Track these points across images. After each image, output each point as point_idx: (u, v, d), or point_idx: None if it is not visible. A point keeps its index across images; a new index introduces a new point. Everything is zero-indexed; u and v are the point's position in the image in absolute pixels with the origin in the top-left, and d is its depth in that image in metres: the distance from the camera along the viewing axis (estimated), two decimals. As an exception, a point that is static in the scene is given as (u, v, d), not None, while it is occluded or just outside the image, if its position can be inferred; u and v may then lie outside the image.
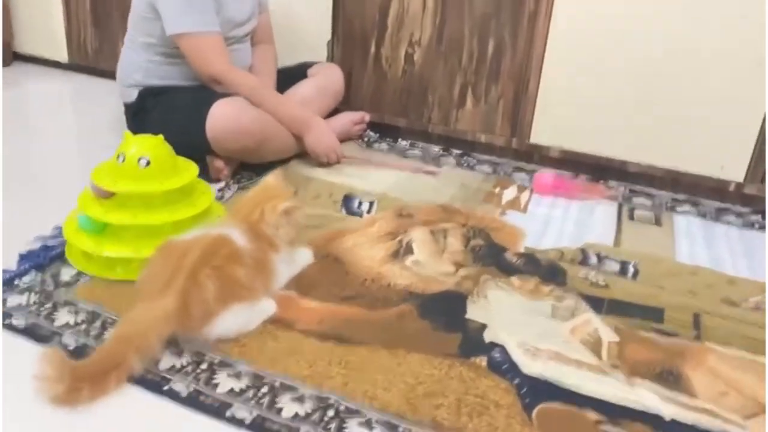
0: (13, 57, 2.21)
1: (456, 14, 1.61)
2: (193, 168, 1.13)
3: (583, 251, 1.27)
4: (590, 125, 1.58)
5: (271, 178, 1.10)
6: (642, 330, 1.04)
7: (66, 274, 1.04)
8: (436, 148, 1.76)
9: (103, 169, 1.07)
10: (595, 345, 0.99)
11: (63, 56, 2.14)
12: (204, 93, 1.39)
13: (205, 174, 1.42)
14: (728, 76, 1.42)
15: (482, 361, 0.94)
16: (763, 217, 1.48)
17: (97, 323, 0.94)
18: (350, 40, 1.74)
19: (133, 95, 1.48)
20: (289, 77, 1.65)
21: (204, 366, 0.87)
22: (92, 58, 2.10)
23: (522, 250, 1.27)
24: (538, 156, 1.69)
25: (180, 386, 0.83)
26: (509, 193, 1.52)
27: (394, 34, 1.69)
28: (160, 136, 1.09)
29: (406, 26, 1.67)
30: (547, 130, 1.63)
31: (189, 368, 0.87)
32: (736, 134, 1.46)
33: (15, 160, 1.47)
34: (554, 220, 1.41)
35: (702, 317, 1.08)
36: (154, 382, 0.84)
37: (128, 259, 1.03)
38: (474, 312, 1.05)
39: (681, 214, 1.48)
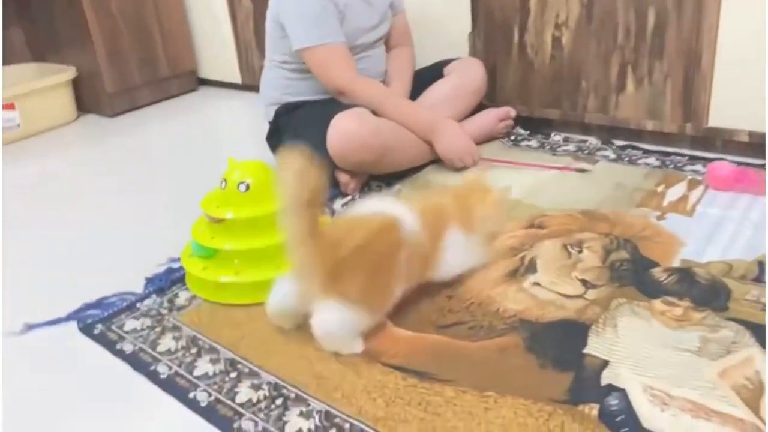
0: (198, 83, 2.43)
1: (606, -14, 1.39)
2: (295, 188, 1.11)
3: (761, 264, 1.01)
4: (787, 100, 1.27)
5: (472, 176, 1.11)
6: (827, 375, 0.78)
7: (182, 298, 1.08)
8: (594, 141, 1.55)
9: (211, 196, 1.10)
10: (753, 394, 0.77)
11: (237, 78, 2.29)
12: (329, 107, 1.37)
13: (337, 188, 1.42)
14: None
15: (593, 409, 0.78)
16: None
17: (194, 350, 0.95)
18: (492, 30, 1.61)
19: (271, 114, 1.52)
20: (425, 78, 1.57)
21: (279, 401, 0.84)
22: (259, 76, 2.22)
23: (677, 264, 1.05)
24: (721, 142, 1.40)
25: (248, 424, 0.81)
26: (675, 192, 1.28)
27: (537, 18, 1.52)
28: (261, 161, 1.08)
29: (551, 7, 1.49)
30: (729, 110, 1.34)
31: (263, 404, 0.84)
32: None
33: (182, 178, 1.60)
34: (728, 223, 1.14)
35: None
36: (225, 418, 0.82)
37: (234, 283, 1.04)
38: (595, 345, 0.88)
39: None
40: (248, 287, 1.04)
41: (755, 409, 0.75)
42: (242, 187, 1.05)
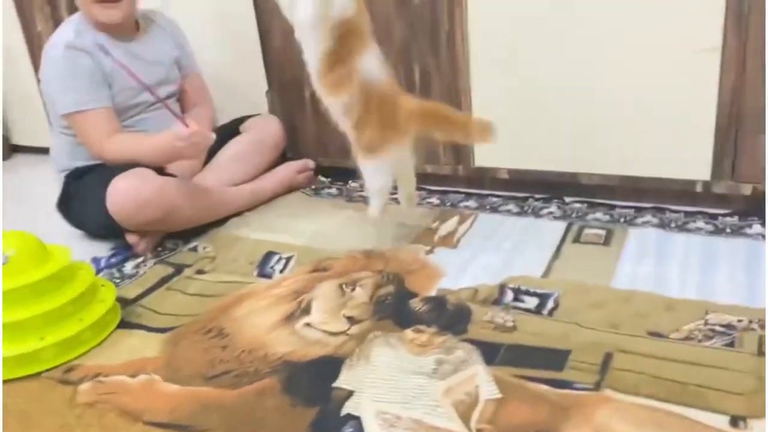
0: (12, 149, 2.33)
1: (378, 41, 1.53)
2: (63, 255, 1.11)
3: (501, 287, 1.14)
4: (534, 141, 1.44)
5: None
6: (535, 381, 0.90)
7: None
8: (385, 186, 1.67)
9: (-28, 271, 1.07)
10: (468, 407, 0.86)
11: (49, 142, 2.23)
12: (114, 170, 1.38)
13: (129, 250, 1.43)
14: (671, 68, 1.25)
15: (331, 439, 0.84)
16: (739, 219, 1.28)
17: (-55, 433, 0.92)
18: (284, 87, 1.70)
19: (61, 180, 1.50)
20: (222, 136, 1.61)
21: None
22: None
23: (433, 293, 1.15)
24: (488, 179, 1.56)
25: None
26: (447, 227, 1.41)
27: (323, 76, 1.63)
28: (22, 231, 1.08)
29: (333, 65, 1.60)
30: (490, 152, 1.50)
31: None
32: (693, 127, 1.28)
33: None
34: (484, 252, 1.28)
35: (614, 358, 0.93)
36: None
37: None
38: (345, 378, 0.95)
39: (639, 227, 1.31)
40: (14, 362, 1.02)
41: (466, 420, 0.84)
42: (1, 259, 1.04)
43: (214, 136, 1.37)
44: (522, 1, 1.34)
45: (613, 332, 0.98)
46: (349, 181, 1.71)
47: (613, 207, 1.40)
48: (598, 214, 1.38)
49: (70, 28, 1.42)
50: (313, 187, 1.71)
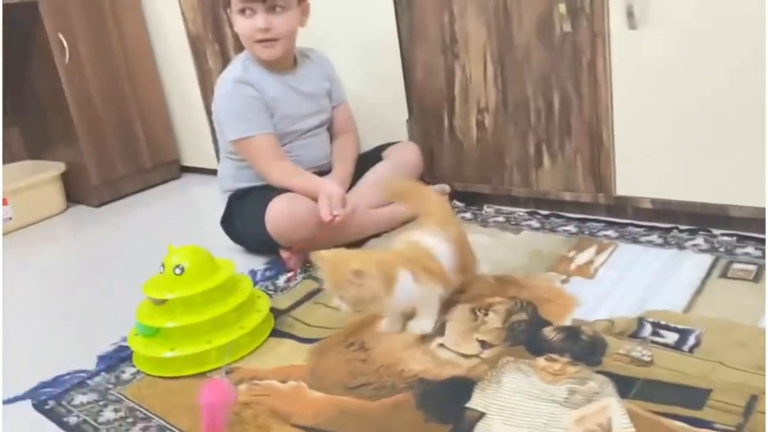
0: (181, 170, 2.62)
1: (515, 75, 1.56)
2: (228, 267, 1.25)
3: (640, 321, 1.12)
4: (680, 170, 1.40)
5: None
6: (670, 418, 0.89)
7: (128, 373, 1.21)
8: (521, 212, 1.69)
9: (152, 280, 1.24)
10: (600, 438, 0.87)
11: (215, 164, 2.47)
12: (272, 191, 1.53)
13: (281, 265, 1.56)
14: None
15: (463, 456, 0.88)
16: None
17: (130, 419, 1.07)
18: (425, 116, 1.78)
19: (226, 200, 1.68)
20: (365, 162, 1.73)
21: (194, 460, 0.96)
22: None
23: (568, 323, 1.16)
24: (632, 209, 1.53)
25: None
26: (584, 256, 1.40)
27: (462, 105, 1.69)
28: (195, 245, 1.23)
29: (472, 94, 1.66)
30: (633, 181, 1.48)
31: (180, 463, 0.95)
32: None
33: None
34: (622, 284, 1.26)
35: (759, 401, 0.89)
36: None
37: (172, 358, 1.17)
38: (477, 400, 0.99)
39: (795, 264, 1.23)
40: (184, 361, 1.17)
41: (599, 451, 0.85)
42: (177, 270, 1.19)
43: (351, 207, 1.49)
44: (669, 28, 1.32)
45: (759, 374, 0.94)
46: (484, 207, 1.75)
47: (764, 242, 1.33)
48: (749, 249, 1.31)
49: (238, 65, 1.60)
50: (450, 211, 1.77)
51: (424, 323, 1.21)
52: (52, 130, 2.38)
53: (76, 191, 2.40)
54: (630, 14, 1.33)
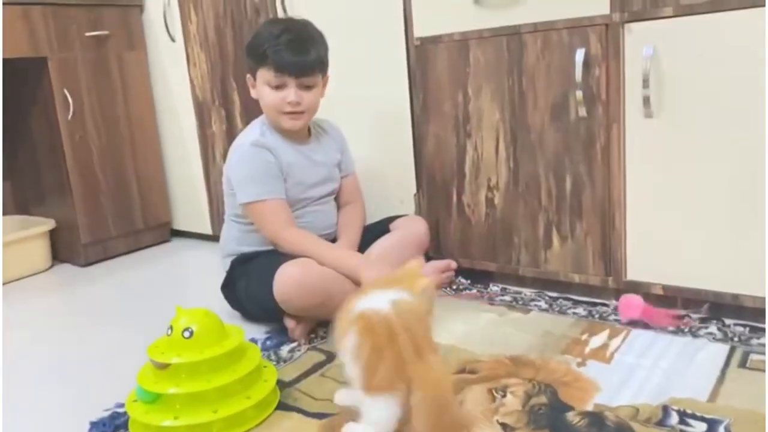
0: (172, 234, 2.57)
1: (528, 155, 1.59)
2: (238, 334, 1.20)
3: (665, 408, 1.09)
4: (692, 257, 1.41)
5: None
6: None
7: (123, 442, 1.13)
8: (528, 292, 1.67)
9: (158, 343, 1.18)
10: None
11: (208, 229, 2.44)
12: (279, 257, 1.49)
13: (285, 335, 1.51)
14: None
15: None
16: None
17: (126, 493, 0.99)
18: (434, 190, 1.78)
19: (227, 264, 1.64)
20: (373, 233, 1.72)
21: None
22: (228, 228, 2.37)
23: (590, 408, 1.12)
24: (642, 295, 1.52)
25: None
26: (597, 340, 1.38)
27: (472, 181, 1.70)
28: (206, 309, 1.18)
29: (483, 171, 1.67)
30: (644, 265, 1.48)
31: None
32: None
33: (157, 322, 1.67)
34: (640, 370, 1.24)
35: (803, 499, 0.86)
36: None
37: (174, 427, 1.10)
38: (505, 486, 0.94)
39: (813, 357, 1.22)
40: (186, 431, 1.09)
41: None
42: (186, 334, 1.13)
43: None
44: (684, 117, 1.36)
45: (798, 470, 0.91)
46: (490, 285, 1.73)
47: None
48: (763, 339, 1.31)
49: (256, 129, 1.60)
50: (454, 287, 1.74)
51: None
52: (46, 185, 2.33)
53: (64, 249, 2.33)
54: (646, 103, 1.37)
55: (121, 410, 1.21)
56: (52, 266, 2.30)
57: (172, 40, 2.29)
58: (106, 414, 1.21)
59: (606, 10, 1.40)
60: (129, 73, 2.36)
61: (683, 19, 1.32)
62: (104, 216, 2.31)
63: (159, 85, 2.43)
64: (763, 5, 1.22)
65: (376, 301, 1.03)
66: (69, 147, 2.19)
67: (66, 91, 2.16)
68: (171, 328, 1.15)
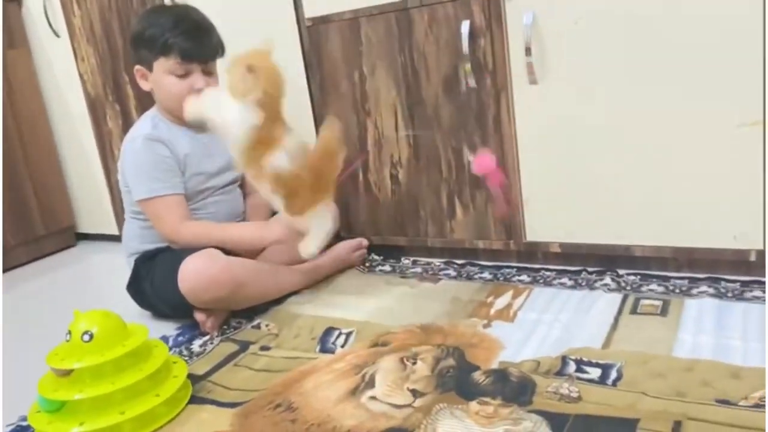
0: (77, 237, 2.47)
1: (426, 129, 1.62)
2: (142, 333, 1.17)
3: (563, 359, 1.16)
4: (584, 214, 1.48)
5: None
6: (605, 451, 0.90)
7: (28, 455, 1.10)
8: (437, 262, 1.72)
9: (57, 350, 1.14)
10: (540, 477, 0.87)
11: (115, 230, 2.36)
12: (183, 251, 1.46)
13: (196, 329, 1.49)
14: (719, 143, 1.30)
15: None
16: (797, 286, 1.28)
17: (33, 506, 0.96)
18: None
19: (132, 263, 1.59)
20: (281, 219, 1.71)
21: None
22: (136, 227, 2.30)
23: (495, 366, 1.17)
24: (541, 254, 1.60)
25: None
26: (502, 301, 1.43)
27: (376, 159, 1.72)
28: (106, 310, 1.15)
29: (385, 150, 1.70)
30: (541, 227, 1.55)
31: None
32: (743, 198, 1.31)
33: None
34: (541, 326, 1.30)
35: (683, 425, 0.93)
36: None
37: (82, 432, 1.07)
38: (415, 450, 0.97)
39: (695, 298, 1.31)
40: (97, 434, 1.07)
41: (541, 489, 0.85)
42: (86, 337, 1.10)
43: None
44: (565, 83, 1.42)
45: (680, 401, 0.99)
46: (402, 258, 1.77)
47: (667, 278, 1.42)
48: (653, 286, 1.40)
49: (147, 122, 1.56)
50: (367, 264, 1.77)
51: (310, 245, 1.41)
52: (-71, 198, 2.19)
53: (-43, 264, 2.20)
54: (530, 70, 1.42)
55: (24, 423, 1.16)
56: (-54, 283, 2.17)
57: (57, 35, 2.18)
58: (9, 429, 1.17)
59: (486, -18, 1.44)
60: (13, 73, 2.24)
61: (558, -13, 1.37)
62: (-1, 225, 2.19)
63: (47, 84, 2.32)
64: (628, -30, 1.29)
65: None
66: (-48, 156, 2.07)
67: (-58, 97, 2.03)
68: (70, 332, 1.12)
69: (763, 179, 1.27)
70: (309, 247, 1.41)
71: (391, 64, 1.61)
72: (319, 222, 1.41)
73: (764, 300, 1.26)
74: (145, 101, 2.00)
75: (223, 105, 1.35)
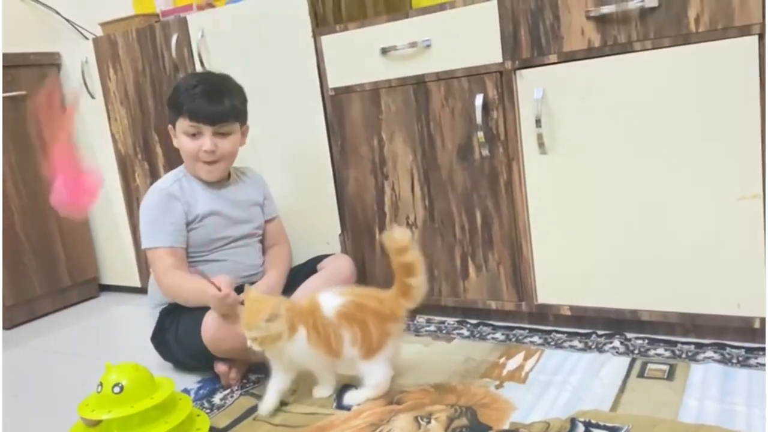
0: (100, 289, 2.55)
1: (441, 193, 1.70)
2: (169, 385, 1.23)
3: (573, 421, 1.19)
4: (593, 278, 1.54)
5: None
6: None
7: (56, 503, 1.14)
8: (451, 321, 1.77)
9: (88, 400, 1.20)
10: None
11: (137, 282, 2.43)
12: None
13: (218, 381, 1.54)
14: (722, 214, 1.36)
15: None
16: (801, 353, 1.32)
17: None
18: (357, 230, 1.87)
19: (157, 314, 1.66)
20: (300, 273, 1.78)
21: None
22: (158, 279, 2.37)
23: (506, 426, 1.21)
24: (552, 316, 1.64)
25: None
26: (513, 363, 1.48)
27: (392, 220, 1.79)
28: (136, 363, 1.22)
29: (402, 210, 1.77)
30: (552, 289, 1.60)
31: None
32: (747, 267, 1.36)
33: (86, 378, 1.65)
34: (552, 386, 1.34)
35: (688, 490, 0.96)
36: None
37: (109, 483, 1.12)
38: (428, 507, 1.01)
39: (701, 363, 1.35)
40: (122, 485, 1.12)
41: None
42: (116, 389, 1.16)
43: (240, 299, 1.45)
44: (574, 153, 1.49)
45: (685, 465, 1.02)
46: (416, 317, 1.82)
47: (674, 343, 1.46)
48: (660, 350, 1.44)
49: (170, 178, 1.69)
50: (382, 322, 1.82)
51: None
52: (-36, 248, 2.29)
53: (-14, 313, 2.27)
54: (540, 141, 1.51)
55: (53, 471, 1.21)
56: (-27, 331, 2.24)
57: (92, 97, 2.31)
58: (38, 477, 1.22)
59: (499, 59, 1.53)
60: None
61: (566, 65, 1.46)
62: (28, 276, 2.27)
63: (80, 141, 2.44)
64: (632, 51, 1.38)
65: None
66: (-12, 208, 2.17)
67: (-17, 153, 2.15)
68: (101, 384, 1.18)
69: (764, 249, 1.33)
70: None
71: (409, 131, 1.71)
72: (319, 364, 1.42)
73: (769, 367, 1.30)
74: (174, 160, 2.10)
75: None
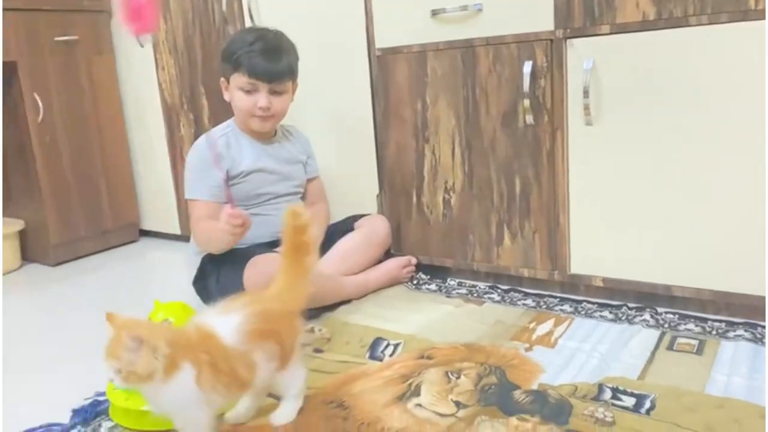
0: (140, 234, 2.63)
1: (481, 160, 1.71)
2: (213, 326, 1.29)
3: (600, 386, 1.23)
4: (628, 252, 1.55)
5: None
6: (635, 472, 0.97)
7: (104, 428, 1.21)
8: (482, 285, 1.80)
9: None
10: (574, 489, 0.95)
11: (177, 229, 2.50)
12: (249, 251, 1.58)
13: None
14: (756, 192, 1.36)
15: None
16: (833, 338, 1.33)
17: (111, 471, 1.08)
18: (395, 192, 1.90)
19: (198, 261, 1.72)
20: (338, 230, 1.83)
21: None
22: (196, 228, 2.44)
23: (534, 386, 1.25)
24: (584, 287, 1.67)
25: None
26: (543, 328, 1.51)
27: (430, 184, 1.82)
28: (182, 302, 1.27)
29: (441, 175, 1.79)
30: (586, 260, 1.62)
31: None
32: (783, 249, 1.37)
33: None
34: (580, 354, 1.37)
35: (711, 457, 1.00)
36: None
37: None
38: (457, 455, 1.05)
39: (731, 340, 1.37)
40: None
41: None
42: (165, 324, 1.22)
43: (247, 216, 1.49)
44: (619, 126, 1.50)
45: (709, 434, 1.05)
46: (448, 279, 1.86)
47: (705, 320, 1.47)
48: (690, 326, 1.45)
49: (220, 128, 1.73)
50: (415, 282, 1.86)
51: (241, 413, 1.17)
52: (13, 187, 2.37)
53: (33, 250, 2.37)
54: (586, 111, 1.51)
55: (101, 398, 1.28)
56: (21, 266, 2.34)
57: (141, 45, 2.35)
58: (87, 402, 1.29)
59: (551, 27, 1.53)
60: (97, 78, 2.41)
61: (619, 36, 1.46)
62: (74, 217, 2.36)
63: (128, 89, 2.49)
64: (687, 25, 1.37)
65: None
66: (38, 149, 2.24)
67: (36, 95, 2.21)
68: (149, 320, 1.24)
69: (806, 232, 1.33)
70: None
71: (454, 95, 1.72)
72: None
73: (799, 348, 1.31)
74: (219, 113, 2.15)
75: None
